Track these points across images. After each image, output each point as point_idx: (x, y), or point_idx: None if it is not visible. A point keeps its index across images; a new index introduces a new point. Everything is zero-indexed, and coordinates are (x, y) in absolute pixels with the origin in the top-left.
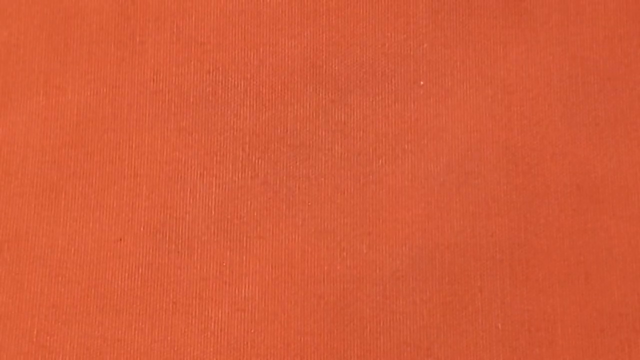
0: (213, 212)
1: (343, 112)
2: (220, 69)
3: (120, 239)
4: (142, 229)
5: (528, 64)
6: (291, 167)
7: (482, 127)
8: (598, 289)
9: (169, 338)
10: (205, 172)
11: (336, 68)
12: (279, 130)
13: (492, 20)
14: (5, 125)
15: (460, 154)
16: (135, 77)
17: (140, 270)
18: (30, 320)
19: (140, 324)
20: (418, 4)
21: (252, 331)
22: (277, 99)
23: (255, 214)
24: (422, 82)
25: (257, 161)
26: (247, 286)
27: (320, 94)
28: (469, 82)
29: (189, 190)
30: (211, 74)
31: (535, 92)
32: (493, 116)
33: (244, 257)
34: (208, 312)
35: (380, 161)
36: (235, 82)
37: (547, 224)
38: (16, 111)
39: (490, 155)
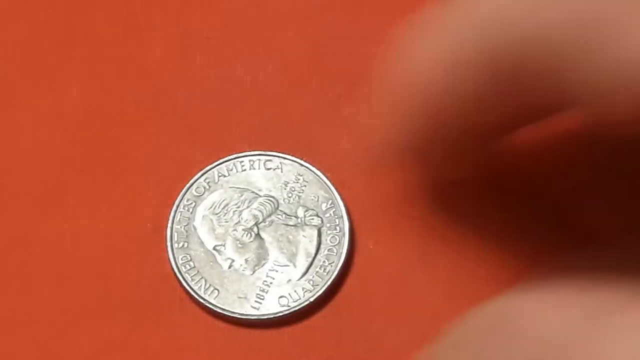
0: None
1: (350, 106)
2: (226, 63)
3: (127, 236)
4: (148, 225)
5: None
6: None
7: None
8: None
9: (176, 336)
10: None
11: (342, 62)
12: (285, 125)
13: None
14: (11, 124)
15: None
16: (141, 72)
17: (147, 267)
18: (38, 326)
19: (148, 322)
20: None
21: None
22: (283, 94)
23: None
24: None
25: None
26: None
27: (327, 88)
28: None
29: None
30: (217, 69)
31: None
32: None
33: None
34: None
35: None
36: (241, 77)
37: None
38: (22, 109)
39: None
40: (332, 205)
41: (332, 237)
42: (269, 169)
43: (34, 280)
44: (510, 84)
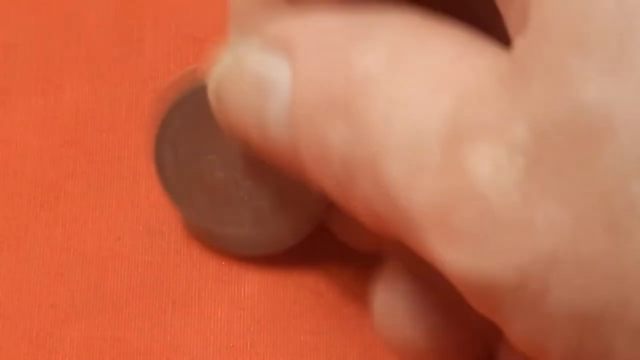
0: None
1: None
2: None
3: (119, 238)
4: (141, 228)
5: None
6: None
7: None
8: None
9: (168, 338)
10: None
11: None
12: None
13: None
14: (4, 125)
15: None
16: (134, 74)
17: (139, 269)
18: (29, 321)
19: (140, 323)
20: None
21: (252, 330)
22: None
23: None
24: None
25: None
26: (246, 284)
27: None
28: None
29: None
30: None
31: None
32: None
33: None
34: (208, 311)
35: None
36: None
37: None
38: (15, 111)
39: None
40: None
41: None
42: None
43: (26, 281)
44: None
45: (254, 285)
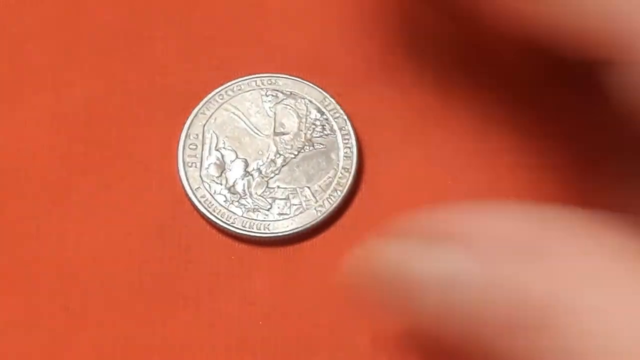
0: None
1: (350, 105)
2: (228, 63)
3: (130, 234)
4: (151, 223)
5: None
6: None
7: (489, 117)
8: None
9: (179, 334)
10: None
11: (343, 61)
12: None
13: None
14: (15, 122)
15: (468, 143)
16: (144, 71)
17: (150, 264)
18: (42, 328)
19: (151, 320)
20: None
21: (263, 325)
22: None
23: None
24: (428, 75)
25: None
26: (257, 280)
27: (328, 88)
28: (474, 76)
29: None
30: (220, 69)
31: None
32: (500, 106)
33: (254, 250)
34: (219, 307)
35: (389, 153)
36: (242, 77)
37: None
38: (25, 107)
39: (499, 144)
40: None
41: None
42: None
43: (37, 280)
44: None
45: (265, 281)
